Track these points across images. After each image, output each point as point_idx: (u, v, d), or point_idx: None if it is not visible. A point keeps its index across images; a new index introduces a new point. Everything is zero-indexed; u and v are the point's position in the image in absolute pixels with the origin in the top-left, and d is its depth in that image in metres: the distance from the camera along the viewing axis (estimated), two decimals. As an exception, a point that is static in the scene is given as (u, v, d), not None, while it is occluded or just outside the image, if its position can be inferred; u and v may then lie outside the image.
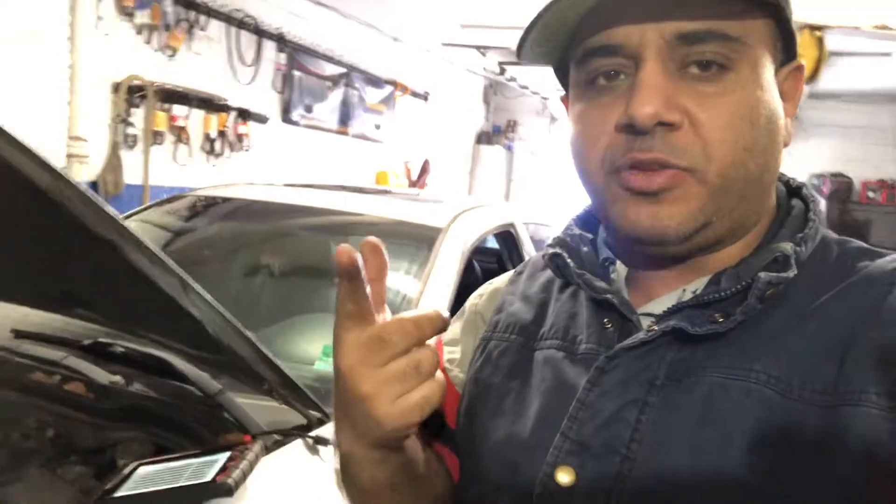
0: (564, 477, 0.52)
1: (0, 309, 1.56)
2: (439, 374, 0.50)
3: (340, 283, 0.48)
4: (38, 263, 1.25)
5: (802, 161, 7.09)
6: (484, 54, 6.00)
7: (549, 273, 0.66)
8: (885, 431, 0.44)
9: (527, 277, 0.69)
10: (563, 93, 0.62)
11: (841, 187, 6.84)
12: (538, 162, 7.99)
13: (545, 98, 7.60)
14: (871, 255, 0.53)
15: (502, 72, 6.46)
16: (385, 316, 0.51)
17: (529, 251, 2.45)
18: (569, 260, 0.60)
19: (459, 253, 1.85)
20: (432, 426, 0.63)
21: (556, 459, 0.53)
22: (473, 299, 0.72)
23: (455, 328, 0.71)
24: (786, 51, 0.54)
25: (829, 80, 5.51)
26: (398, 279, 1.84)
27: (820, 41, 3.53)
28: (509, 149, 7.90)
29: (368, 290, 0.48)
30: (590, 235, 0.62)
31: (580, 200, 0.64)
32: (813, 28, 3.51)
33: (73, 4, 3.30)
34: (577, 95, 0.56)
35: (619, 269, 0.60)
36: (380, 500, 0.57)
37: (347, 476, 0.56)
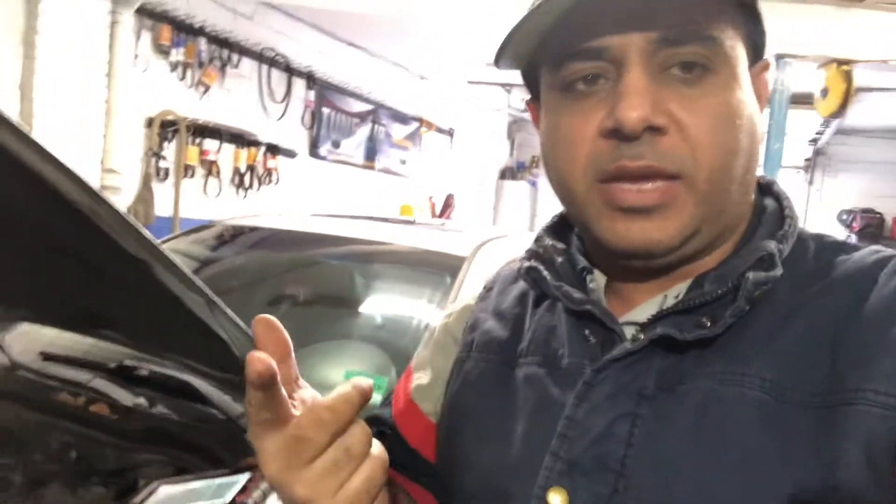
0: (556, 499, 0.50)
1: (31, 332, 1.58)
2: (377, 446, 0.47)
3: (251, 392, 0.43)
4: (71, 285, 1.27)
5: (831, 197, 7.01)
6: (509, 91, 6.08)
7: (521, 286, 0.64)
8: (883, 429, 0.42)
9: (497, 293, 0.66)
10: (529, 98, 0.60)
11: (872, 223, 6.72)
12: (563, 198, 7.98)
13: (570, 134, 7.63)
14: (848, 250, 0.52)
15: (526, 108, 6.53)
16: (301, 394, 0.47)
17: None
18: (545, 272, 0.58)
19: (483, 282, 1.84)
20: (399, 461, 0.60)
21: (546, 482, 0.51)
22: (443, 319, 0.69)
23: (425, 352, 0.68)
24: (755, 49, 0.54)
25: (858, 115, 5.47)
26: (421, 308, 1.83)
27: (847, 75, 3.51)
28: (533, 185, 7.92)
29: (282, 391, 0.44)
30: (562, 245, 0.60)
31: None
32: (840, 62, 3.50)
33: (113, 42, 3.42)
34: (553, 101, 0.54)
35: (598, 278, 0.57)
36: None
37: None
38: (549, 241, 0.61)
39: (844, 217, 6.90)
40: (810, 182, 7.27)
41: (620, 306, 0.56)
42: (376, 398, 1.49)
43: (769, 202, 0.57)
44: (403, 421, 0.66)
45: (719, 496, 0.46)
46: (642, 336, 0.51)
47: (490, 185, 7.60)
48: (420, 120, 6.08)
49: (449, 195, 6.42)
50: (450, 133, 6.55)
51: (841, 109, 3.67)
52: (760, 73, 0.55)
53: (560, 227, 0.63)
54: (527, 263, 0.60)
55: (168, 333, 1.21)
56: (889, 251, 0.51)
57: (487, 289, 0.68)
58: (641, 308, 0.54)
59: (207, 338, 1.07)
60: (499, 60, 0.56)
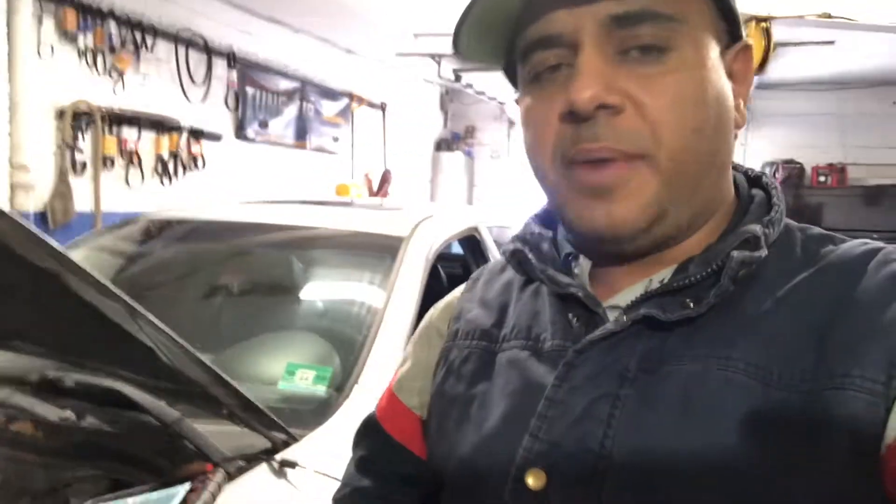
0: (534, 480, 0.50)
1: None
2: None
3: None
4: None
5: (755, 150, 7.25)
6: (438, 62, 6.00)
7: (507, 276, 0.64)
8: (869, 414, 0.43)
9: (484, 283, 0.67)
10: (517, 95, 0.60)
11: (793, 173, 7.00)
12: (499, 166, 8.01)
13: (502, 103, 7.64)
14: (835, 241, 0.53)
15: (458, 79, 6.47)
16: None
17: (495, 254, 2.43)
18: (530, 255, 0.58)
19: (423, 261, 1.82)
20: (386, 461, 0.64)
21: (525, 462, 0.51)
22: (428, 313, 0.70)
23: (409, 348, 0.69)
24: (730, 33, 0.53)
25: (777, 69, 5.65)
26: (362, 292, 1.80)
27: (767, 32, 3.60)
28: (469, 154, 7.91)
29: None
30: (549, 233, 0.60)
31: (541, 201, 0.63)
32: (759, 20, 3.58)
33: (12, 30, 3.19)
34: (524, 92, 0.55)
35: (583, 264, 0.58)
36: None
37: None
38: (536, 229, 0.61)
39: (768, 169, 7.16)
40: (735, 137, 7.49)
41: (605, 291, 0.55)
42: (320, 388, 1.44)
43: (757, 192, 0.57)
44: (388, 418, 0.66)
45: (702, 480, 0.45)
46: (626, 317, 0.51)
47: (426, 158, 7.54)
48: (350, 95, 5.95)
49: (385, 170, 6.34)
50: (382, 107, 6.45)
51: (762, 66, 3.77)
52: (738, 56, 0.54)
53: (547, 216, 0.63)
54: (512, 247, 0.60)
55: (89, 344, 1.14)
56: (877, 243, 0.51)
57: (474, 280, 0.69)
58: (626, 292, 0.54)
59: (131, 346, 1.01)
60: (459, 49, 0.55)
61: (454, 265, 2.76)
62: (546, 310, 0.57)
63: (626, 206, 0.50)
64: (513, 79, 0.59)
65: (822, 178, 7.03)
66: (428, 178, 7.56)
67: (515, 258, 0.60)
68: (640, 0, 0.48)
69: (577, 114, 0.48)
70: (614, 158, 0.49)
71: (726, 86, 0.52)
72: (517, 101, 0.59)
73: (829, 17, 3.69)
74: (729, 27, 0.53)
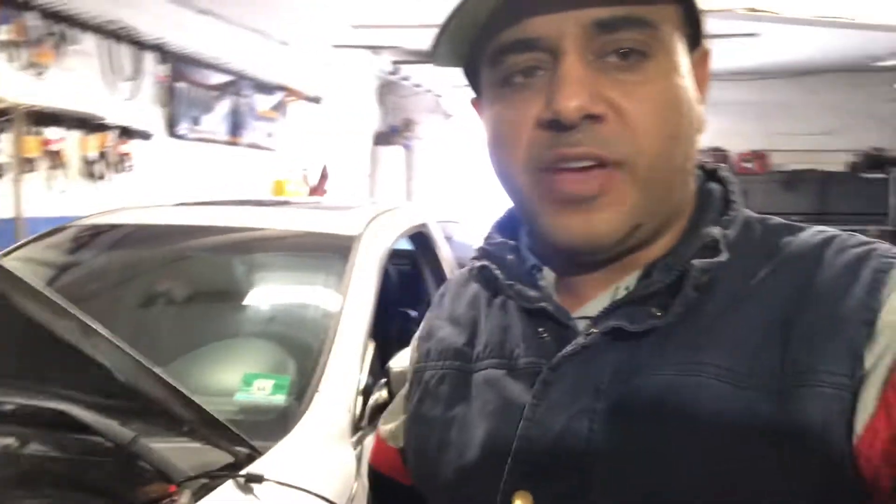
0: (521, 502, 0.49)
1: None
2: None
3: None
4: None
5: (685, 139, 7.51)
6: (377, 54, 5.94)
7: (473, 289, 0.63)
8: (837, 408, 0.44)
9: (451, 298, 0.66)
10: (473, 95, 0.59)
11: (719, 160, 7.28)
12: (437, 159, 8.00)
13: (438, 95, 7.62)
14: (794, 231, 0.53)
15: (395, 71, 6.42)
16: None
17: (443, 250, 2.42)
18: (496, 271, 0.57)
19: (377, 260, 1.79)
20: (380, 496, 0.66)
21: (510, 485, 0.50)
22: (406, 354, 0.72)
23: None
24: (693, 37, 0.54)
25: (705, 61, 5.83)
26: (316, 295, 1.75)
27: (697, 25, 3.69)
28: (408, 148, 7.88)
29: None
30: (512, 242, 0.59)
31: (486, 195, 0.61)
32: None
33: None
34: (493, 96, 0.53)
35: (547, 275, 0.57)
36: None
37: None
38: (498, 239, 0.59)
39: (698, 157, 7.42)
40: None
41: (573, 302, 0.55)
42: (280, 398, 1.40)
43: (714, 186, 0.56)
44: (376, 454, 0.70)
45: (684, 488, 0.45)
46: (595, 330, 0.50)
47: (364, 152, 7.46)
48: (285, 89, 5.81)
49: (324, 166, 6.23)
50: (317, 101, 6.33)
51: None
52: (700, 60, 0.55)
53: (509, 222, 0.62)
54: (478, 263, 0.59)
55: (34, 364, 1.07)
56: (832, 230, 0.52)
57: (441, 295, 0.67)
58: (594, 302, 0.54)
59: (85, 365, 0.95)
60: (434, 57, 0.53)
61: (404, 262, 2.74)
62: (516, 324, 0.56)
63: (605, 216, 0.49)
64: (472, 79, 0.57)
65: (746, 165, 7.34)
66: (367, 173, 7.48)
67: (483, 275, 0.59)
68: (624, 6, 0.48)
69: (561, 123, 0.47)
70: (594, 166, 0.48)
71: (695, 91, 0.53)
72: (476, 103, 0.58)
73: (755, 10, 3.83)
74: (693, 32, 0.53)
